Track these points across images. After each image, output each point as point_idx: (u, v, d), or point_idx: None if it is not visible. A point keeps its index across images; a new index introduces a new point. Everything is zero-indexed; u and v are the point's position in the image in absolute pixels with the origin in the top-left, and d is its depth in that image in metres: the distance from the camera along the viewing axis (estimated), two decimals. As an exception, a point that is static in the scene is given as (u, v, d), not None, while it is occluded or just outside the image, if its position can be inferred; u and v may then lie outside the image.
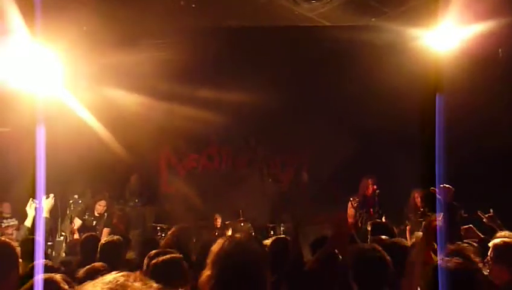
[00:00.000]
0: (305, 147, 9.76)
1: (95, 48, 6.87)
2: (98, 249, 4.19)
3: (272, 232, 8.62)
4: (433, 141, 5.29)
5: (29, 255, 3.26)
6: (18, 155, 7.11)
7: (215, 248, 2.01)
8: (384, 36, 7.15)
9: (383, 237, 4.06)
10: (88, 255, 4.19)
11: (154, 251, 3.52)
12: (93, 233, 5.73)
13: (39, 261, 3.08)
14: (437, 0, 6.13)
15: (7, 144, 7.91)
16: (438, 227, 3.10)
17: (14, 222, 7.54)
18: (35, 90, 6.48)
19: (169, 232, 4.85)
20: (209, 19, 6.99)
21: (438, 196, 4.63)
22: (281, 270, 3.36)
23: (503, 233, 3.63)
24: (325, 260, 3.02)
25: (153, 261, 3.07)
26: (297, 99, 8.92)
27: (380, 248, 2.90)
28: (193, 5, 6.42)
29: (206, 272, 1.96)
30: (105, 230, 7.31)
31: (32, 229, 4.53)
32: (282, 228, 8.82)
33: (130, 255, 4.92)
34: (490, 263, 3.22)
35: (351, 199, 7.50)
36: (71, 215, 7.63)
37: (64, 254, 6.88)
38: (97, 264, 3.17)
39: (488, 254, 3.29)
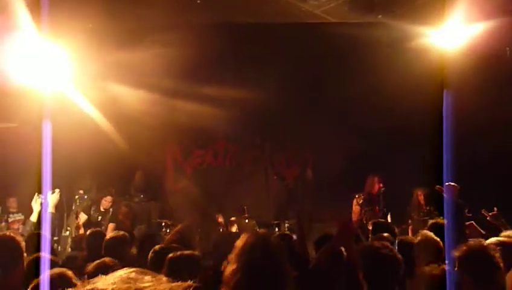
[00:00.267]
0: (311, 144, 9.71)
1: (101, 45, 6.90)
2: (103, 244, 4.22)
3: (276, 229, 8.62)
4: (438, 139, 5.28)
5: (35, 249, 3.29)
6: (24, 151, 7.15)
7: (239, 242, 2.05)
8: (391, 34, 7.12)
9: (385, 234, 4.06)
10: (94, 251, 4.20)
11: (158, 246, 3.55)
12: (99, 228, 5.75)
13: (44, 255, 3.09)
14: (444, -2, 6.10)
15: (14, 140, 7.96)
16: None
17: (20, 216, 7.61)
18: (42, 87, 6.51)
19: (174, 229, 4.86)
20: (215, 15, 6.98)
21: (444, 194, 4.64)
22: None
23: (507, 233, 3.59)
24: (330, 258, 3.02)
25: (170, 256, 3.07)
26: (303, 96, 8.90)
27: (391, 247, 2.89)
28: (198, 1, 6.42)
29: (231, 267, 1.98)
30: (111, 225, 7.32)
31: (38, 224, 4.56)
32: (286, 225, 8.81)
33: (133, 250, 4.93)
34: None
35: (356, 196, 7.50)
36: (77, 211, 7.66)
37: (70, 249, 6.91)
38: (107, 259, 3.17)
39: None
